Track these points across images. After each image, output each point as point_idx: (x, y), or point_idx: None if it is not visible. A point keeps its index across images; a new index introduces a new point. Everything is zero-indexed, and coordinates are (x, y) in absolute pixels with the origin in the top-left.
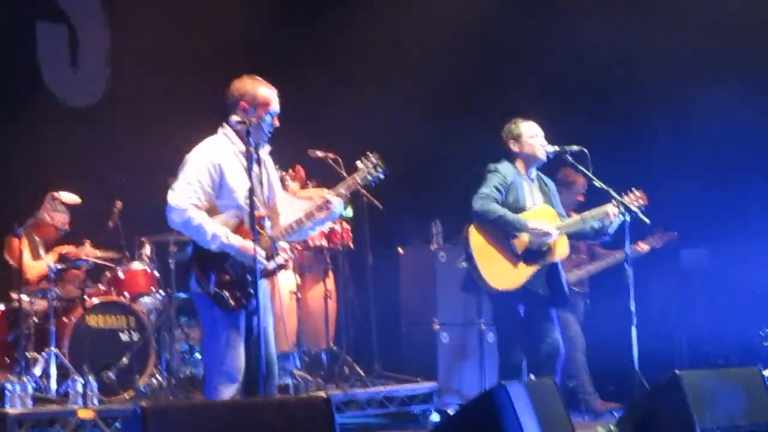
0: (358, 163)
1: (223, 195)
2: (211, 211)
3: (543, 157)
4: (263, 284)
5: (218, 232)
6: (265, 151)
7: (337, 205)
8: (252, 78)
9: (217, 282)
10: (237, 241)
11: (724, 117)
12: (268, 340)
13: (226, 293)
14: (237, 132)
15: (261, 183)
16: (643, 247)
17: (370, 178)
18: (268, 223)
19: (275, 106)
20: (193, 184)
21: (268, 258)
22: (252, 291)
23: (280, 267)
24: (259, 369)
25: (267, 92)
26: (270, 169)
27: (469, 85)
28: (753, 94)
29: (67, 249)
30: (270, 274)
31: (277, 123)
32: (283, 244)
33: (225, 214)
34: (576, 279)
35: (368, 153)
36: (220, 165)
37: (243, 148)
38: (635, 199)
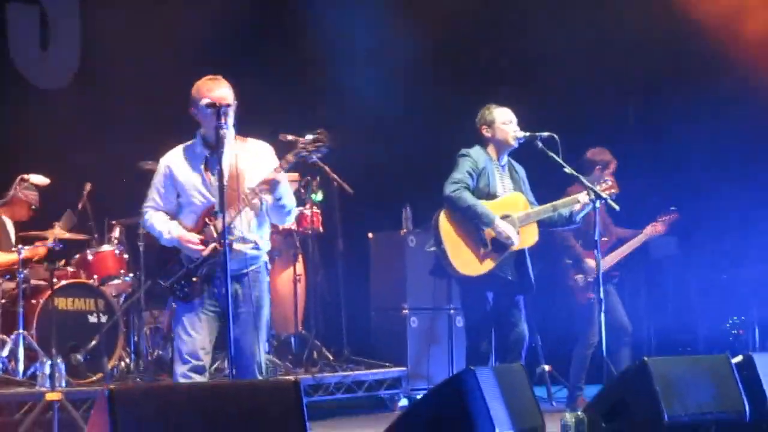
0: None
1: (181, 195)
2: (178, 211)
3: (514, 143)
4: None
5: (164, 228)
6: (233, 143)
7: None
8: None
9: (170, 274)
10: (177, 233)
11: (699, 110)
12: (244, 325)
13: (180, 284)
14: (200, 136)
15: (221, 176)
16: (659, 228)
17: (306, 152)
18: (225, 213)
19: (206, 98)
20: (152, 189)
21: (209, 245)
22: (203, 280)
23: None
24: (228, 351)
25: (196, 89)
26: (245, 159)
27: (442, 69)
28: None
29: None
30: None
31: (220, 119)
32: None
33: (183, 211)
34: (610, 265)
35: (318, 131)
36: (169, 167)
37: (201, 150)
38: (607, 189)
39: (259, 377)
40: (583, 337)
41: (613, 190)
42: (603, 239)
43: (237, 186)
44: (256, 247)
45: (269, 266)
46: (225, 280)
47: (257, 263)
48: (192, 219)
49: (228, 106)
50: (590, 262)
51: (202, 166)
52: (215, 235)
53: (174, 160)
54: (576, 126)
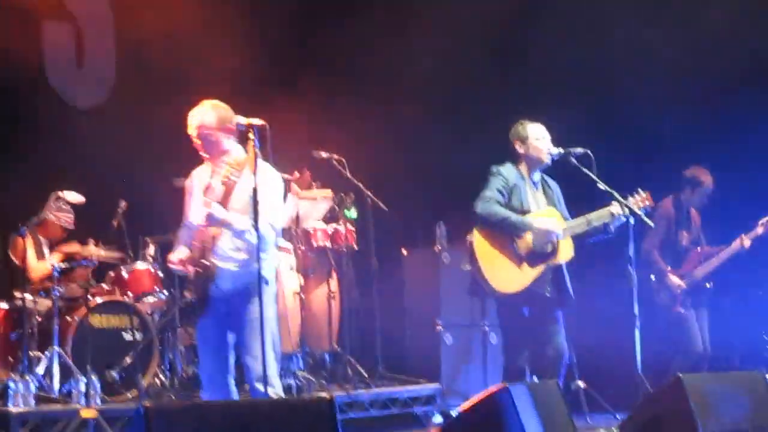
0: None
1: None
2: None
3: (547, 160)
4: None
5: (175, 250)
6: (233, 161)
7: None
8: None
9: (186, 297)
10: (173, 257)
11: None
12: (242, 343)
13: (191, 307)
14: None
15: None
16: (746, 242)
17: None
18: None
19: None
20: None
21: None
22: (201, 304)
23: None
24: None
25: None
26: (244, 182)
27: (475, 86)
28: None
29: (72, 248)
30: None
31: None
32: (284, 243)
33: None
34: (703, 274)
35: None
36: (192, 185)
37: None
38: (640, 201)
39: (269, 391)
40: (684, 351)
41: (647, 203)
42: (696, 249)
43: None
44: (244, 266)
45: (271, 284)
46: (219, 299)
47: (250, 282)
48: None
49: (206, 127)
50: (673, 279)
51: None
52: (197, 256)
53: (193, 179)
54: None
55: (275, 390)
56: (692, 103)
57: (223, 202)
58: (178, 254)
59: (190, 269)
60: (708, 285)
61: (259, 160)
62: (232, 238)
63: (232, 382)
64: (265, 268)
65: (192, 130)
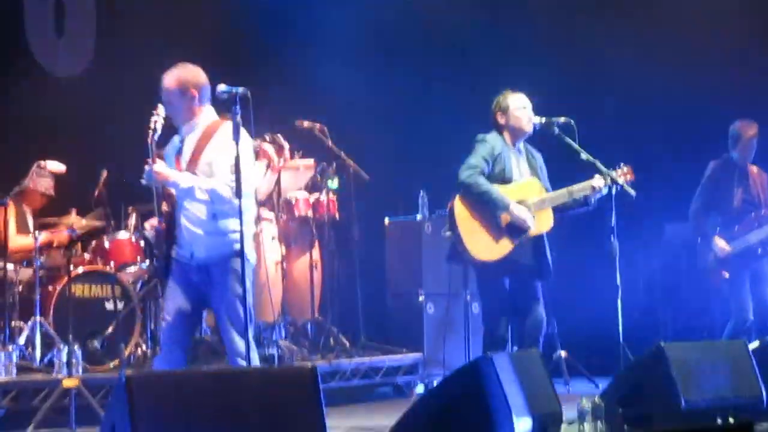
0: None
1: None
2: None
3: (529, 129)
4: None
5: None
6: (203, 128)
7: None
8: None
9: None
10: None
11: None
12: (216, 312)
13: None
14: None
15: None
16: None
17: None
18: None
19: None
20: None
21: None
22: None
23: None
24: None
25: None
26: (208, 144)
27: (459, 54)
28: None
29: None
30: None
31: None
32: (266, 213)
33: None
34: (759, 239)
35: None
36: (165, 150)
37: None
38: (622, 174)
39: (240, 361)
40: (735, 316)
41: (628, 177)
42: (753, 212)
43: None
44: (218, 234)
45: (251, 257)
46: (188, 266)
47: (226, 253)
48: None
49: (164, 96)
50: (719, 242)
51: (150, 154)
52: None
53: (170, 142)
54: None
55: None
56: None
57: (190, 166)
58: (151, 220)
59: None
60: (760, 251)
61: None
62: (197, 202)
63: (183, 355)
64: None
65: (161, 93)
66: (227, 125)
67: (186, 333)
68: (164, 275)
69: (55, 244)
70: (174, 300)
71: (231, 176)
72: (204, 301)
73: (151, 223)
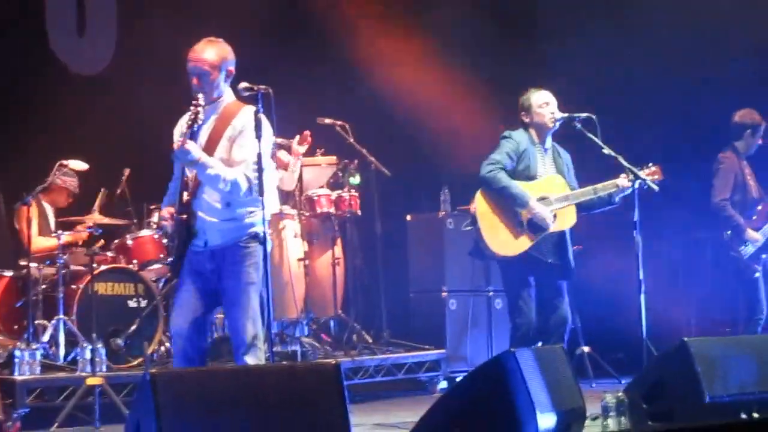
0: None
1: None
2: None
3: (552, 125)
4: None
5: (162, 206)
6: (220, 110)
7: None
8: None
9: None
10: (163, 213)
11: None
12: (228, 302)
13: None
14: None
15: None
16: None
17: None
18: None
19: (186, 64)
20: None
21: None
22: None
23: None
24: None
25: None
26: (227, 127)
27: (479, 53)
28: None
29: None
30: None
31: (194, 81)
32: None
33: None
34: None
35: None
36: (174, 133)
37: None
38: (650, 173)
39: (249, 359)
40: (751, 312)
41: (656, 176)
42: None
43: (209, 154)
44: (233, 220)
45: (266, 241)
46: (203, 254)
47: (240, 237)
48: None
49: (201, 68)
50: (752, 233)
51: (184, 134)
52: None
53: (175, 129)
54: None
55: (256, 360)
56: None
57: (207, 150)
58: (167, 209)
59: (171, 222)
60: None
61: (265, 122)
62: (215, 189)
63: (203, 349)
64: (257, 224)
65: (193, 64)
66: (248, 110)
67: (196, 345)
68: (176, 273)
69: (79, 244)
70: (183, 309)
71: (252, 168)
72: (216, 293)
73: (169, 212)
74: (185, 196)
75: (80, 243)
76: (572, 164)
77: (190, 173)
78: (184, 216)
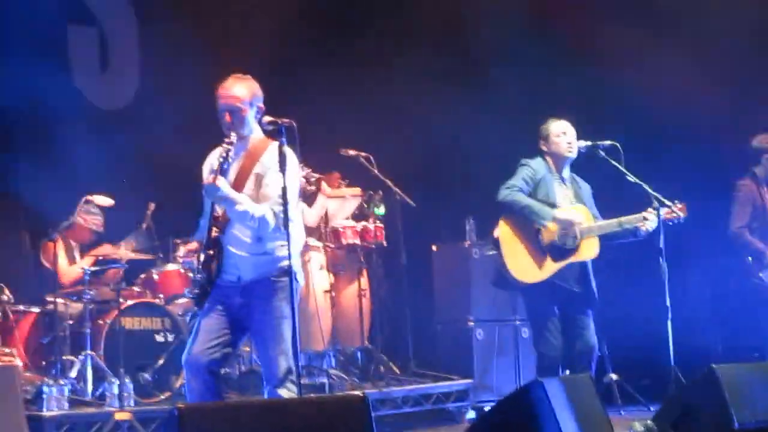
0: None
1: None
2: None
3: (569, 155)
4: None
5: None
6: (252, 146)
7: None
8: None
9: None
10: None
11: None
12: (260, 337)
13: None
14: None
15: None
16: None
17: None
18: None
19: (218, 101)
20: None
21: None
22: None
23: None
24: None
25: (216, 90)
26: (258, 163)
27: (505, 81)
28: None
29: (103, 250)
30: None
31: (226, 118)
32: (314, 242)
33: None
34: None
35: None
36: (203, 170)
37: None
38: (677, 210)
39: (282, 392)
40: None
41: (681, 214)
42: None
43: (238, 191)
44: (264, 254)
45: (299, 277)
46: (231, 288)
47: (272, 272)
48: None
49: (234, 105)
50: None
51: (215, 171)
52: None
53: (204, 164)
54: None
55: (289, 393)
56: None
57: (235, 185)
58: (189, 246)
59: (197, 256)
60: None
61: (289, 154)
62: (243, 225)
63: (217, 384)
64: (287, 257)
65: (225, 101)
66: (275, 147)
67: (209, 373)
68: (200, 304)
69: (105, 276)
70: (203, 334)
71: (278, 203)
72: (242, 328)
73: (188, 248)
74: (214, 231)
75: (106, 278)
76: (592, 196)
77: (219, 209)
78: (211, 252)
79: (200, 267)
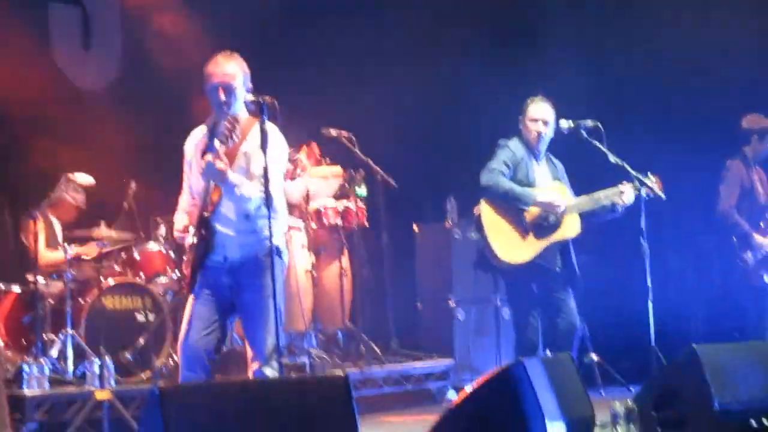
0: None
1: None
2: None
3: (535, 143)
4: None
5: (176, 220)
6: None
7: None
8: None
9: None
10: (176, 225)
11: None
12: (248, 315)
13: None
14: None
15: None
16: None
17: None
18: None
19: (211, 79)
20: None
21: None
22: (196, 273)
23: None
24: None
25: (206, 68)
26: (249, 142)
27: (485, 62)
28: None
29: (99, 233)
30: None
31: (221, 95)
32: (295, 222)
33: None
34: None
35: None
36: (185, 149)
37: (206, 131)
38: (654, 186)
39: (268, 370)
40: (760, 319)
41: (656, 187)
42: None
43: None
44: (253, 232)
45: (284, 255)
46: (221, 269)
47: (259, 251)
48: (196, 204)
49: (229, 82)
50: (759, 239)
51: (202, 148)
52: (197, 222)
53: (188, 142)
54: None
55: (274, 372)
56: None
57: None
58: (181, 221)
59: (191, 236)
60: None
61: (274, 131)
62: (234, 203)
63: (212, 362)
64: (276, 238)
65: (218, 78)
66: (273, 133)
67: (206, 358)
68: (191, 287)
69: (85, 258)
70: (198, 321)
71: (278, 182)
72: (231, 306)
73: (183, 225)
74: (205, 212)
75: (88, 257)
76: (566, 174)
77: (214, 191)
78: (203, 231)
79: (191, 246)
